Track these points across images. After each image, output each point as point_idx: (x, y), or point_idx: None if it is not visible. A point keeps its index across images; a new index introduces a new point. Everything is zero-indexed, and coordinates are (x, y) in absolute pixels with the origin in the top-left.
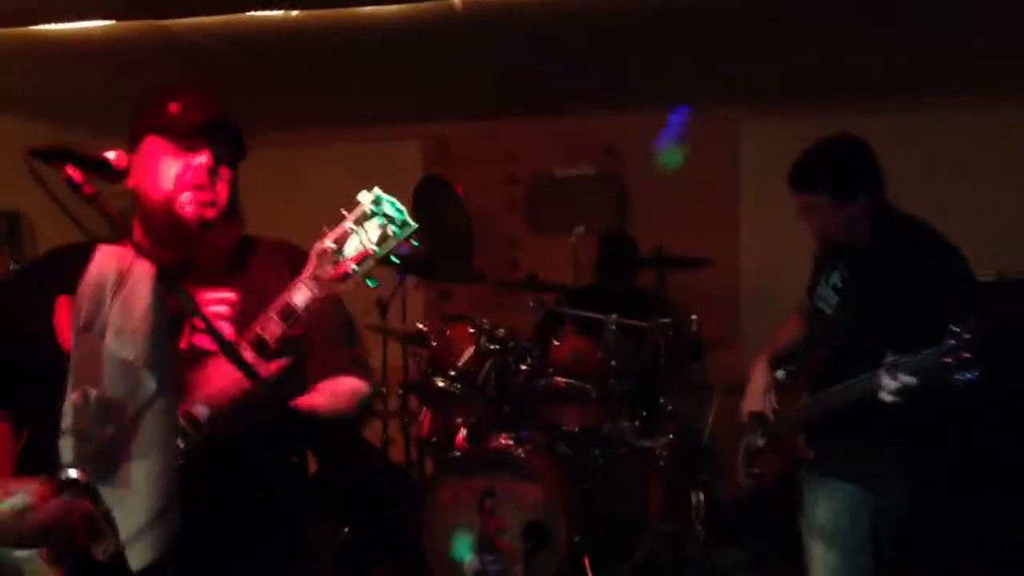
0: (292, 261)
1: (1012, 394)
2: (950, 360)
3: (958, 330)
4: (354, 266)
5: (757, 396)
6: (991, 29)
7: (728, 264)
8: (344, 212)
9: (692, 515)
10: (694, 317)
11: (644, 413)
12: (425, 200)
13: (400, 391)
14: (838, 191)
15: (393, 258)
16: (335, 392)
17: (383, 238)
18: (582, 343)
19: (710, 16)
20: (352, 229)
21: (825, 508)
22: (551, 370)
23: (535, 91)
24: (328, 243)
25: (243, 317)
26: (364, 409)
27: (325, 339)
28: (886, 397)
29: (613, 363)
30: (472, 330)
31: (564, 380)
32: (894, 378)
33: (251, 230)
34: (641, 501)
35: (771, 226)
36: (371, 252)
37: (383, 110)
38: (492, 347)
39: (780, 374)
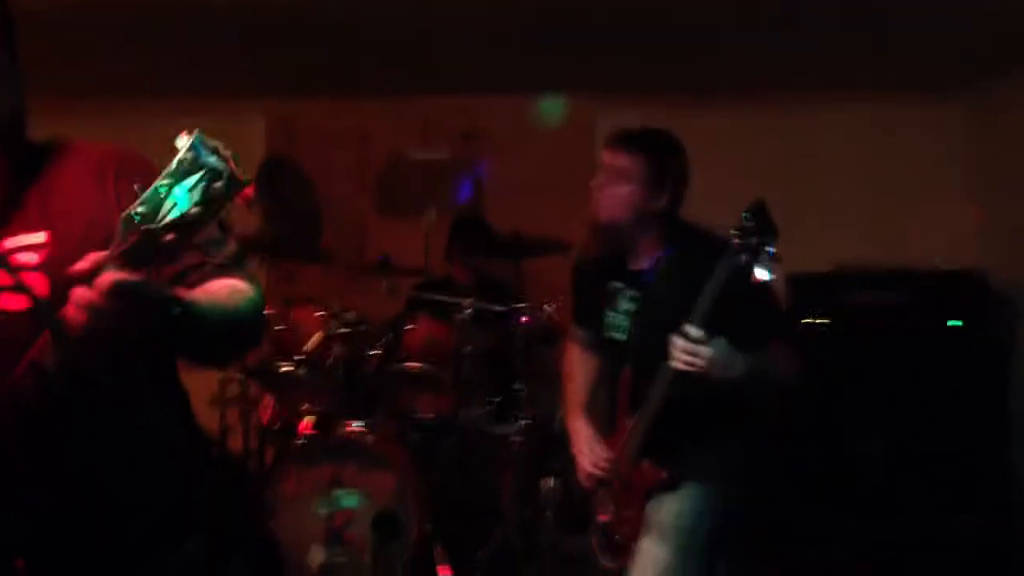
0: (121, 174)
1: (857, 389)
2: (743, 258)
3: (736, 231)
4: (169, 236)
5: (588, 454)
6: (841, 25)
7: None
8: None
9: (543, 502)
10: (547, 304)
11: (497, 400)
12: (269, 182)
13: (240, 377)
14: (655, 167)
15: (221, 225)
16: (208, 289)
17: (206, 197)
18: (436, 328)
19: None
20: (166, 186)
21: (669, 508)
22: (403, 355)
23: (390, 69)
24: (137, 208)
25: (57, 262)
26: (252, 313)
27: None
28: (677, 363)
29: (467, 349)
30: (319, 313)
31: (416, 365)
32: (683, 337)
33: None
34: (494, 489)
35: None
36: (191, 216)
37: (225, 82)
38: (341, 331)
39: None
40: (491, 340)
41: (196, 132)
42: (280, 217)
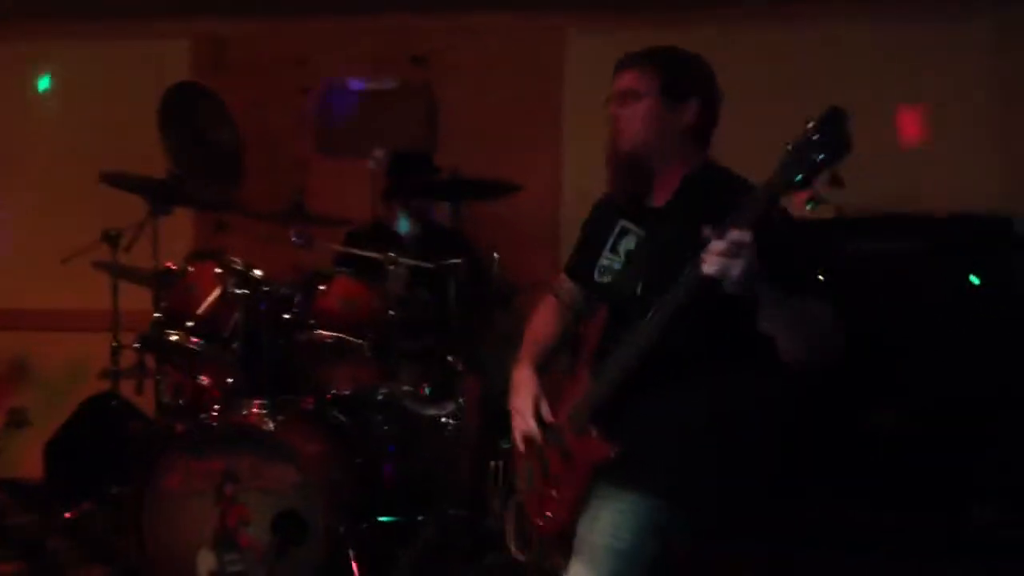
0: None
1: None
2: (813, 147)
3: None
4: None
5: (526, 411)
6: None
7: (547, 193)
8: None
9: (489, 489)
10: (496, 256)
11: (430, 374)
12: (179, 111)
13: (136, 345)
14: (672, 75)
15: None
16: None
17: None
18: (355, 288)
19: None
20: None
21: (605, 523)
22: (313, 321)
23: None
24: None
25: None
26: None
27: None
28: (709, 267)
29: (392, 313)
30: (218, 270)
31: (328, 335)
32: (720, 236)
33: None
34: (429, 477)
35: (600, 150)
36: None
37: None
38: (240, 292)
39: None
40: (426, 303)
41: None
42: (191, 157)
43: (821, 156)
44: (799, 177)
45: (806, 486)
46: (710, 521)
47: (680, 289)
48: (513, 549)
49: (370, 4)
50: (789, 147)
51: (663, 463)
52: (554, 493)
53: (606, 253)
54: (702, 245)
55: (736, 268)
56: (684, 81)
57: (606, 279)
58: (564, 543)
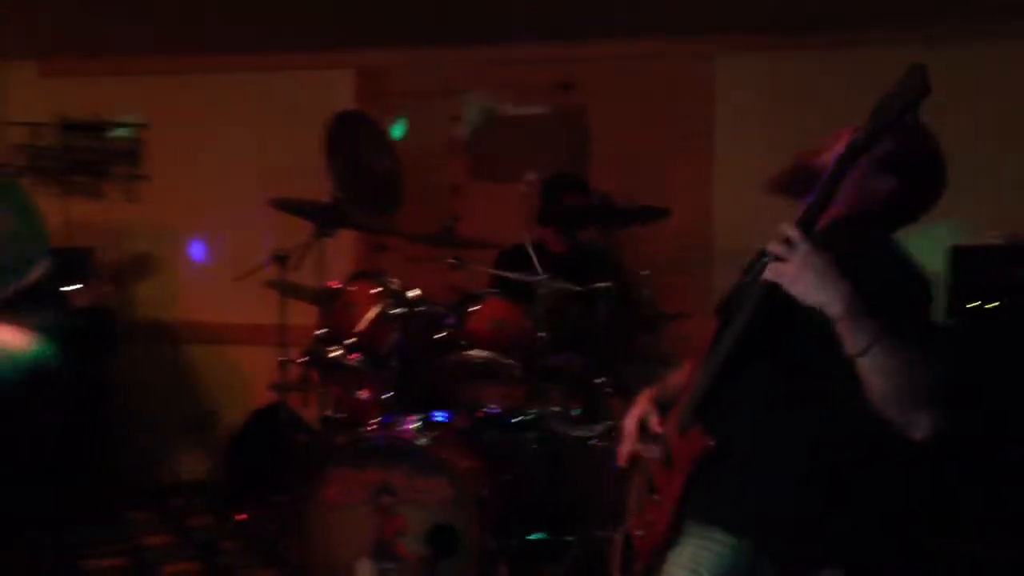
0: None
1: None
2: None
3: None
4: None
5: (628, 432)
6: None
7: (698, 217)
8: None
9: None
10: (645, 279)
11: (579, 395)
12: (342, 139)
13: (302, 360)
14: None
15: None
16: None
17: None
18: (506, 309)
19: None
20: None
21: (687, 556)
22: (465, 342)
23: (482, 15)
24: None
25: None
26: (21, 375)
27: None
28: (768, 271)
29: (543, 335)
30: (377, 290)
31: (481, 354)
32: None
33: (165, 165)
34: (577, 498)
35: (751, 174)
36: None
37: (312, 33)
38: (397, 311)
39: None
40: (575, 325)
41: None
42: (353, 182)
43: (904, 101)
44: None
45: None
46: (801, 567)
47: (753, 291)
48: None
49: (520, 33)
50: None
51: (753, 502)
52: (656, 498)
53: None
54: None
55: (789, 269)
56: (904, 156)
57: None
58: (662, 558)
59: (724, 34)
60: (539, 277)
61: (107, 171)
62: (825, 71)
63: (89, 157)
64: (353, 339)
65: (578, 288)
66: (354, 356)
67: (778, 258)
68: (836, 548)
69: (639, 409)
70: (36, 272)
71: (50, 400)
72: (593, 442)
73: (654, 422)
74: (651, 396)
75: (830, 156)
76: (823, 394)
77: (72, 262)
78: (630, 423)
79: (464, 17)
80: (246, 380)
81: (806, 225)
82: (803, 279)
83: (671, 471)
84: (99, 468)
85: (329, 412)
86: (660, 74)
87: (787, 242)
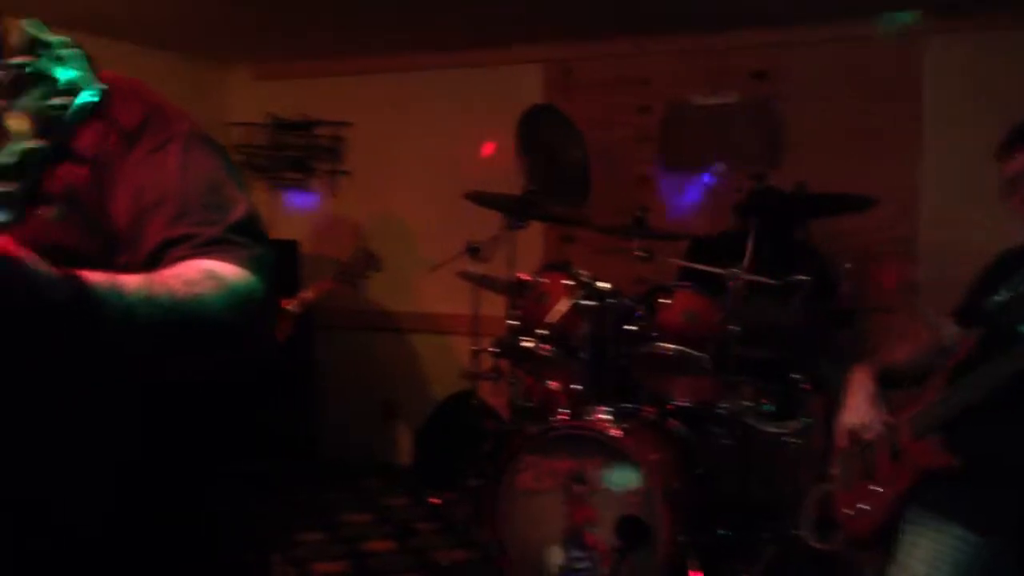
0: None
1: None
2: None
3: None
4: None
5: (860, 408)
6: None
7: (901, 207)
8: None
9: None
10: (847, 272)
11: (773, 390)
12: (533, 132)
13: (494, 349)
14: None
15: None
16: (164, 274)
17: (42, 120)
18: (697, 301)
19: None
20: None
21: (925, 551)
22: (656, 334)
23: (671, 3)
24: None
25: None
26: (224, 308)
27: (160, 210)
28: None
29: (735, 328)
30: (568, 282)
31: (669, 347)
32: None
33: (358, 159)
34: (770, 494)
35: (962, 162)
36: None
37: (500, 30)
38: (588, 303)
39: None
40: (770, 318)
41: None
42: (544, 174)
43: None
44: None
45: None
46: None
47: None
48: (805, 535)
49: (708, 21)
50: None
51: (1004, 501)
52: (875, 488)
53: (1001, 291)
54: None
55: None
56: None
57: (991, 308)
58: (871, 540)
59: (932, 14)
60: (732, 270)
61: (313, 167)
62: None
63: (297, 154)
64: (544, 330)
65: (771, 281)
66: (546, 347)
67: None
68: None
69: (866, 389)
70: (244, 206)
71: (262, 336)
72: (786, 439)
73: (883, 409)
74: (872, 373)
75: None
76: None
77: (280, 252)
78: (855, 400)
79: (653, 6)
80: (439, 368)
81: None
82: None
83: (898, 466)
84: (301, 444)
85: (520, 400)
86: (861, 59)
87: None
